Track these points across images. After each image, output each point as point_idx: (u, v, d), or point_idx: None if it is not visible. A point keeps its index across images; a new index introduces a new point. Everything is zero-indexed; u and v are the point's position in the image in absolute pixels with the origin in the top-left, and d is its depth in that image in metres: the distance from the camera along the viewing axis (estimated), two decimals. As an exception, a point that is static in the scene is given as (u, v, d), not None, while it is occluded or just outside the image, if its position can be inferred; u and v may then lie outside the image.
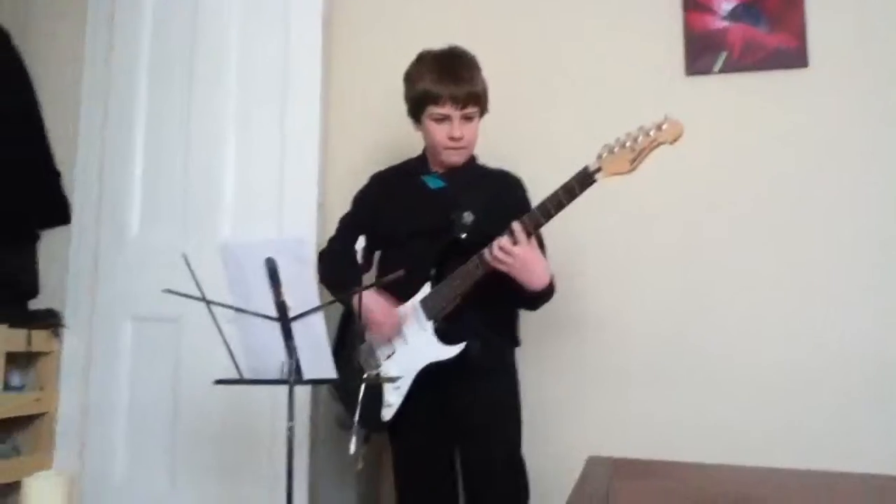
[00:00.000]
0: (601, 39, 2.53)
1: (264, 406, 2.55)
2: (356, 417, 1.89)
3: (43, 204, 2.93)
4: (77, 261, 2.92)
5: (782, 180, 2.39)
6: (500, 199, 1.96)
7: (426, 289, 1.94)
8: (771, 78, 2.42)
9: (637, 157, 1.71)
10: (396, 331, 1.95)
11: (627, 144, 1.72)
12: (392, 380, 1.93)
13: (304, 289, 1.78)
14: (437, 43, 2.70)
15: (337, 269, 2.07)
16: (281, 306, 1.78)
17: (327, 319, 1.79)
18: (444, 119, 1.98)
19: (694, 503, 1.44)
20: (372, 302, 1.94)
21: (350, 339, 2.06)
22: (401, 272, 1.75)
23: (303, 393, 2.49)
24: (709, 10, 2.49)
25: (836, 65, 2.39)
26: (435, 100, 1.97)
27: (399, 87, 2.74)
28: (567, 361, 2.44)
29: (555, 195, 1.76)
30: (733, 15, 2.47)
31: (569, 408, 2.41)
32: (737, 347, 2.35)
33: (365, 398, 1.93)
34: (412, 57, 2.74)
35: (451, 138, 1.98)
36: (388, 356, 1.98)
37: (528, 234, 1.78)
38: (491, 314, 1.96)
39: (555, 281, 1.93)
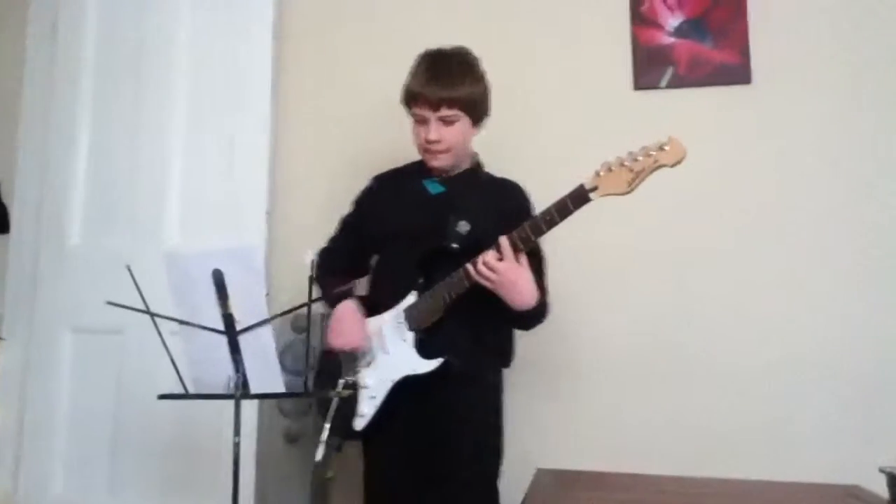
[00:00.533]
0: (550, 53, 2.56)
1: (210, 420, 2.50)
2: (327, 424, 1.87)
3: (-21, 212, 2.84)
4: (15, 270, 2.84)
5: (728, 193, 2.44)
6: (499, 209, 1.86)
7: (411, 297, 1.88)
8: (715, 93, 2.48)
9: (636, 178, 1.63)
10: (356, 345, 1.91)
11: (626, 164, 1.64)
12: (339, 393, 1.88)
13: (252, 300, 1.75)
14: (390, 53, 2.72)
15: (322, 272, 2.02)
16: (227, 319, 1.75)
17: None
18: (423, 120, 1.93)
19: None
20: (343, 311, 1.93)
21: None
22: (350, 285, 1.74)
23: (250, 407, 2.45)
24: (656, 25, 2.54)
25: (778, 81, 2.45)
26: (413, 99, 1.93)
27: (351, 95, 2.75)
28: (524, 370, 2.43)
29: (547, 211, 1.69)
30: (679, 31, 2.52)
31: (520, 417, 2.41)
32: (711, 354, 2.38)
33: (340, 406, 1.90)
34: (363, 65, 2.75)
35: (427, 140, 1.92)
36: (368, 364, 1.93)
37: (516, 250, 1.71)
38: (478, 330, 1.88)
39: (547, 300, 1.86)
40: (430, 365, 1.82)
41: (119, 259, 1.98)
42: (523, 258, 1.73)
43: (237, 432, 1.74)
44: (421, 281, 1.87)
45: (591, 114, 2.54)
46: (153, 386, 1.86)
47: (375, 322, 1.95)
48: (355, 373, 1.94)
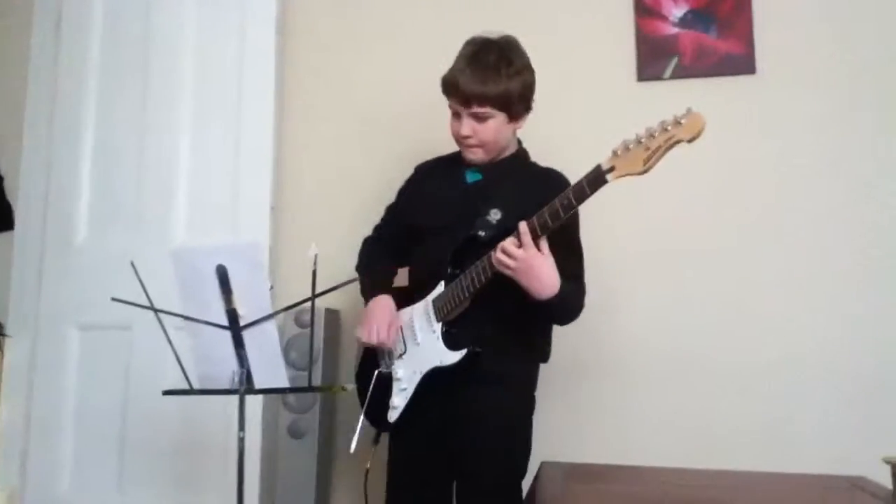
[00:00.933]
0: (554, 44, 2.54)
1: (216, 416, 2.50)
2: (362, 413, 1.90)
3: (-16, 209, 2.85)
4: (21, 267, 2.84)
5: (732, 185, 2.43)
6: (536, 199, 1.71)
7: (439, 287, 1.85)
8: (720, 84, 2.46)
9: (652, 156, 1.53)
10: (381, 342, 1.88)
11: (643, 141, 1.55)
12: (342, 388, 1.92)
13: (256, 295, 1.76)
14: (393, 49, 2.72)
15: (364, 261, 2.06)
16: (232, 314, 1.75)
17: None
18: (456, 114, 1.88)
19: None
20: (375, 305, 1.92)
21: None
22: (354, 278, 1.73)
23: (254, 402, 2.45)
24: (660, 15, 2.52)
25: (783, 71, 2.44)
26: (447, 91, 1.88)
27: (355, 90, 2.75)
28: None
29: (565, 195, 1.63)
30: (684, 21, 2.51)
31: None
32: (714, 351, 2.37)
33: (376, 396, 1.91)
34: (367, 58, 2.75)
35: (459, 134, 1.89)
36: (400, 355, 1.91)
37: (535, 237, 1.65)
38: (508, 322, 1.83)
39: (574, 292, 1.81)
40: (455, 356, 1.78)
41: (124, 256, 1.98)
42: (544, 245, 1.67)
43: (242, 427, 1.74)
44: (449, 271, 1.84)
45: (594, 105, 2.54)
46: (159, 382, 1.87)
47: (407, 313, 1.93)
48: (389, 364, 1.93)
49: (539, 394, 1.97)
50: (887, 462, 1.48)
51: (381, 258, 2.07)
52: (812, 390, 2.31)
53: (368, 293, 1.98)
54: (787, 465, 1.88)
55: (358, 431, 1.91)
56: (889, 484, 1.50)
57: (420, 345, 1.87)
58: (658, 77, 2.50)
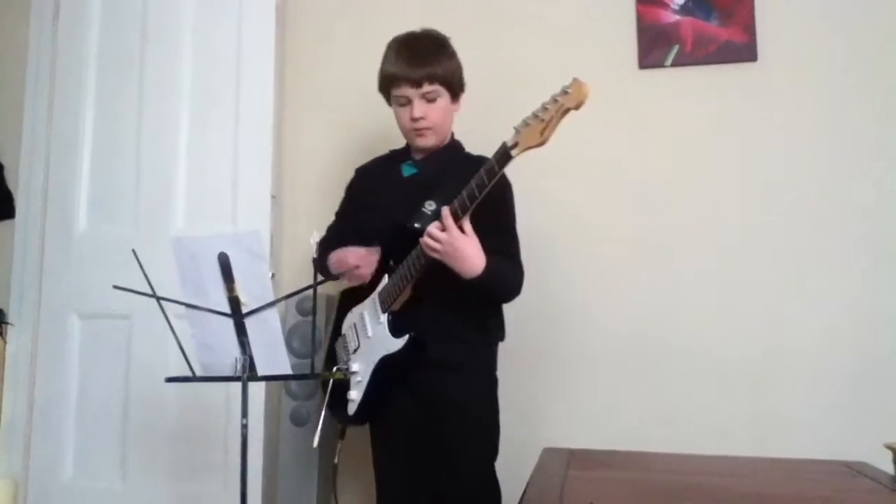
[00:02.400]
0: (555, 31, 2.54)
1: (218, 403, 2.52)
2: (323, 410, 1.94)
3: (-16, 198, 2.85)
4: (21, 256, 2.84)
5: (734, 172, 2.43)
6: (461, 184, 1.76)
7: (384, 281, 1.91)
8: (721, 71, 2.46)
9: (546, 127, 1.64)
10: (357, 262, 1.94)
11: (538, 115, 1.65)
12: (344, 374, 1.93)
13: (258, 283, 1.76)
14: (392, 34, 2.70)
15: (321, 261, 2.07)
16: (234, 302, 1.75)
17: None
18: (405, 102, 1.95)
19: (644, 491, 1.46)
20: (336, 251, 1.98)
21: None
22: (355, 266, 1.74)
23: (257, 389, 2.46)
24: (661, 3, 2.51)
25: (785, 59, 2.44)
26: (393, 81, 1.95)
27: (353, 80, 2.74)
28: (528, 353, 2.44)
29: (479, 174, 1.70)
30: (685, 8, 2.50)
31: (526, 399, 2.42)
32: (714, 337, 2.38)
33: (336, 392, 1.95)
34: (366, 49, 2.72)
35: (412, 119, 1.94)
36: (354, 350, 1.96)
37: (457, 219, 1.72)
38: (456, 307, 1.88)
39: (512, 272, 1.89)
40: (399, 343, 1.83)
41: (125, 245, 1.99)
42: (467, 226, 1.74)
43: (245, 414, 1.74)
44: (392, 263, 1.89)
45: (595, 93, 2.52)
46: (161, 370, 1.87)
47: (358, 310, 1.99)
48: (346, 360, 1.98)
49: (538, 381, 1.98)
50: (889, 448, 1.48)
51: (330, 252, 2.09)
52: (812, 376, 2.32)
53: (325, 262, 2.02)
54: (786, 452, 1.89)
55: (320, 425, 1.94)
56: (890, 469, 1.51)
57: (371, 338, 1.91)
58: (659, 65, 2.50)
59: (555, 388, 2.38)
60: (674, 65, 2.49)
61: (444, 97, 1.95)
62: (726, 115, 2.44)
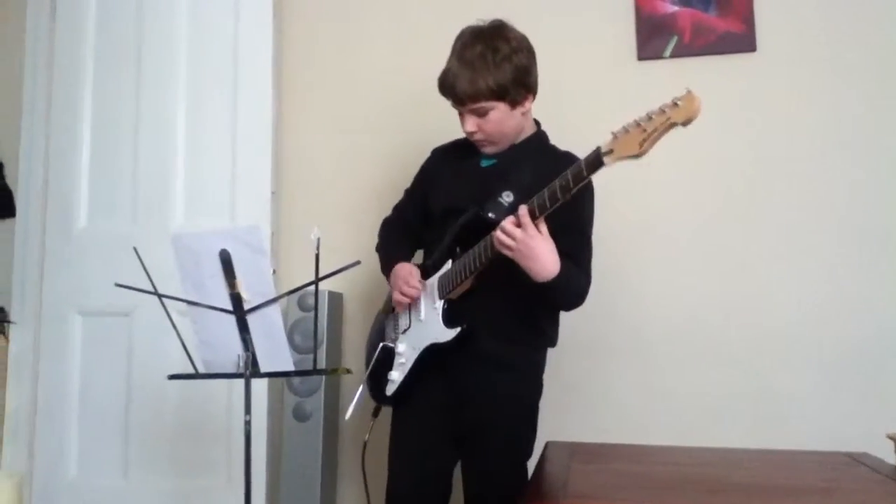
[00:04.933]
0: (554, 23, 2.53)
1: (220, 399, 2.52)
2: (363, 383, 1.94)
3: (-15, 196, 2.85)
4: (22, 254, 2.84)
5: (734, 163, 2.44)
6: (543, 181, 1.67)
7: (447, 266, 1.86)
8: (720, 62, 2.45)
9: (647, 139, 1.51)
10: (412, 296, 1.89)
11: (640, 124, 1.52)
12: (344, 370, 1.93)
13: (259, 279, 1.76)
14: (391, 29, 2.70)
15: (382, 242, 2.09)
16: (235, 298, 1.75)
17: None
18: (459, 112, 1.89)
19: (646, 483, 1.47)
20: (400, 267, 1.94)
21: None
22: (356, 262, 1.74)
23: (260, 385, 2.47)
24: (659, -6, 2.51)
25: (783, 49, 2.43)
26: (443, 93, 1.88)
27: (352, 74, 2.74)
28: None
29: (563, 176, 1.61)
30: (683, 0, 2.50)
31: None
32: (715, 329, 2.39)
33: (379, 369, 1.94)
34: (365, 42, 2.73)
35: (465, 132, 1.89)
36: (404, 331, 1.93)
37: (534, 218, 1.64)
38: (515, 306, 1.83)
39: (575, 277, 1.78)
40: (450, 334, 1.80)
41: (125, 242, 1.99)
42: (543, 227, 1.66)
43: (248, 410, 1.75)
44: (458, 250, 1.84)
45: (594, 85, 2.53)
46: (163, 367, 1.88)
47: None
48: (394, 339, 1.96)
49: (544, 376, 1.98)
50: (891, 438, 1.49)
51: (398, 238, 2.09)
52: (813, 368, 2.33)
53: (390, 266, 1.99)
54: (788, 442, 1.90)
55: (356, 398, 1.93)
56: (892, 459, 1.51)
57: (423, 321, 1.89)
58: (658, 56, 2.50)
59: (559, 381, 2.39)
60: (673, 56, 2.49)
61: (497, 108, 1.83)
62: (726, 106, 2.43)
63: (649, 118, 1.53)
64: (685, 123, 1.50)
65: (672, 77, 2.47)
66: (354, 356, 2.54)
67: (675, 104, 1.50)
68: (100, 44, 2.85)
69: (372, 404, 2.01)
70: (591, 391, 2.44)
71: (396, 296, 1.91)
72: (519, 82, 1.83)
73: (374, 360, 1.96)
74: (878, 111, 2.38)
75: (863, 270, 2.34)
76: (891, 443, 1.51)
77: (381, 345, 1.98)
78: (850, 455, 1.68)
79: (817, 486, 1.43)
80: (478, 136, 1.88)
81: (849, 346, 2.32)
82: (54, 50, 2.89)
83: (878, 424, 1.99)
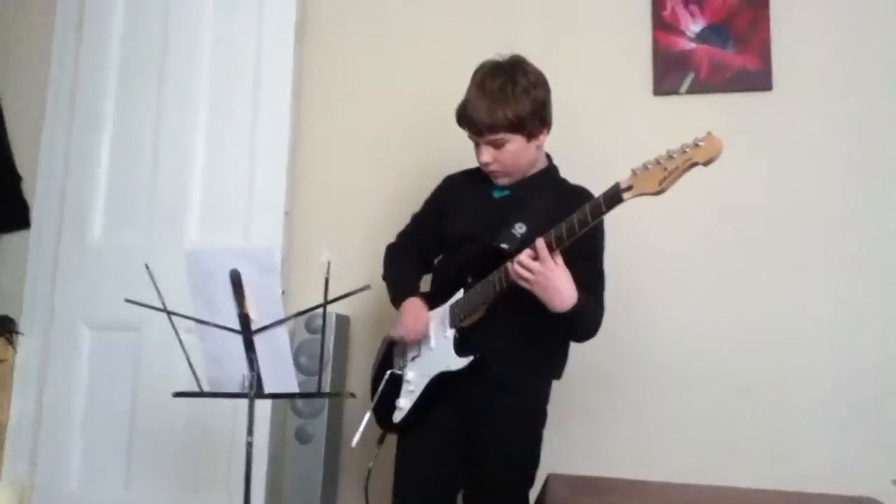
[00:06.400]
0: (571, 57, 2.54)
1: (225, 417, 2.52)
2: (367, 413, 1.95)
3: (2, 207, 2.87)
4: (36, 266, 2.87)
5: (748, 201, 2.43)
6: (563, 215, 1.70)
7: (458, 295, 1.88)
8: (736, 100, 2.46)
9: (668, 177, 1.54)
10: (416, 338, 1.91)
11: (662, 162, 1.55)
12: (349, 395, 1.94)
13: (268, 299, 1.76)
14: (411, 54, 2.73)
15: (388, 267, 2.10)
16: (244, 318, 1.76)
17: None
18: (475, 143, 1.91)
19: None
20: (410, 305, 1.94)
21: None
22: (366, 286, 1.74)
23: (263, 405, 2.46)
24: (677, 30, 2.52)
25: (800, 87, 2.44)
26: (460, 123, 1.91)
27: (371, 97, 2.76)
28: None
29: (582, 210, 1.64)
30: (701, 36, 2.51)
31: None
32: (717, 362, 2.38)
33: (386, 396, 1.94)
34: (384, 64, 2.76)
35: (480, 163, 1.92)
36: (413, 358, 1.94)
37: (551, 251, 1.66)
38: (523, 334, 1.84)
39: (591, 308, 1.80)
40: (462, 363, 1.81)
41: (139, 256, 2.00)
42: (559, 259, 1.68)
43: (250, 432, 1.75)
44: (470, 279, 1.86)
45: (611, 119, 2.54)
46: (169, 383, 1.88)
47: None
48: (402, 366, 1.96)
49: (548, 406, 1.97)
50: (896, 484, 1.47)
51: (407, 266, 2.10)
52: (821, 407, 2.30)
53: (400, 297, 2.00)
54: (796, 481, 1.88)
55: (362, 426, 1.93)
56: (898, 506, 1.49)
57: (433, 349, 1.89)
58: (674, 92, 2.50)
59: (563, 412, 2.37)
60: (689, 92, 2.49)
61: (514, 141, 1.86)
62: (741, 144, 2.42)
63: (670, 157, 1.55)
64: (706, 163, 1.52)
65: (688, 113, 2.48)
66: (359, 380, 2.53)
67: (697, 144, 1.52)
68: (124, 58, 2.90)
69: (377, 431, 2.00)
70: (596, 423, 2.42)
71: (403, 332, 1.92)
72: (536, 116, 1.87)
73: (381, 387, 1.96)
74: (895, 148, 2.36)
75: (881, 305, 2.32)
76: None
77: (388, 372, 1.97)
78: (854, 499, 1.65)
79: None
80: (493, 168, 1.90)
81: (864, 384, 2.29)
82: (79, 62, 2.94)
83: (887, 468, 1.98)
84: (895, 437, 2.23)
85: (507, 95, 1.83)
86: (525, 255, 1.68)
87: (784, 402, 2.33)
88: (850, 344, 2.31)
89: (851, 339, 2.32)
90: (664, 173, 1.54)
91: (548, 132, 1.93)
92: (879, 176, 2.37)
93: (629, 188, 1.58)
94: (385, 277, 2.10)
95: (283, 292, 2.32)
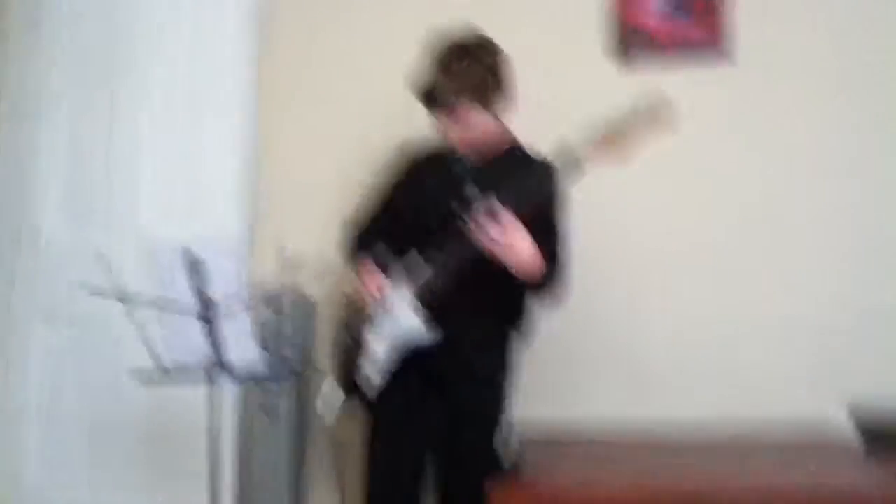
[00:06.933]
0: (528, 31, 2.49)
1: (186, 402, 2.44)
2: (328, 379, 1.98)
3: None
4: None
5: (708, 174, 2.46)
6: (523, 185, 1.77)
7: (420, 263, 1.90)
8: (696, 73, 2.46)
9: (625, 145, 1.60)
10: (380, 295, 1.92)
11: (618, 129, 1.61)
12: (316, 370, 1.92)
13: (229, 283, 1.77)
14: (374, 27, 2.70)
15: (351, 247, 2.11)
16: (205, 301, 1.75)
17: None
18: (434, 117, 1.94)
19: (621, 469, 1.47)
20: (362, 267, 1.98)
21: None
22: (328, 269, 1.74)
23: (229, 387, 2.37)
24: (636, 2, 2.51)
25: (759, 60, 2.46)
26: (418, 99, 1.92)
27: (333, 77, 2.72)
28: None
29: (538, 176, 1.71)
30: (660, 9, 2.50)
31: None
32: (695, 334, 2.42)
33: (349, 366, 1.96)
34: (351, 36, 2.72)
35: (443, 135, 1.94)
36: (376, 328, 1.95)
37: (514, 214, 1.71)
38: (486, 300, 1.88)
39: (557, 270, 1.85)
40: (428, 336, 1.85)
41: (91, 249, 1.99)
42: (518, 223, 1.72)
43: (215, 409, 1.74)
44: (431, 248, 1.88)
45: (570, 93, 2.52)
46: (130, 375, 1.85)
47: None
48: (365, 336, 1.97)
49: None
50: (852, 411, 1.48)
51: (367, 241, 2.09)
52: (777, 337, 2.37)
53: (357, 261, 2.03)
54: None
55: (326, 392, 1.96)
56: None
57: (395, 318, 1.91)
58: (634, 65, 2.50)
59: (532, 370, 2.40)
60: (648, 65, 2.49)
61: (474, 111, 1.88)
62: (700, 117, 2.44)
63: (626, 122, 1.58)
64: (663, 128, 1.57)
65: (649, 86, 2.48)
66: (325, 358, 2.53)
67: (651, 108, 1.57)
68: (70, 54, 2.81)
69: (344, 402, 2.01)
70: (570, 384, 2.45)
71: (365, 292, 1.94)
72: (496, 86, 1.90)
73: (345, 357, 1.98)
74: (858, 123, 2.42)
75: (859, 272, 2.38)
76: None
77: (351, 341, 1.99)
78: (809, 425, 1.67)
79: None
80: (454, 140, 1.92)
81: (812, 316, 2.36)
82: (28, 63, 2.83)
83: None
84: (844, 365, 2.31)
85: (459, 66, 1.86)
86: (485, 217, 1.71)
87: (737, 337, 2.39)
88: (833, 305, 2.37)
89: (832, 301, 2.37)
90: (622, 140, 1.60)
91: (508, 103, 1.96)
92: (842, 149, 2.41)
93: (587, 157, 1.62)
94: (346, 256, 2.11)
95: (246, 278, 2.32)
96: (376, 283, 1.94)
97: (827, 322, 2.35)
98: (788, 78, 2.46)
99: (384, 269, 1.98)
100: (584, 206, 2.31)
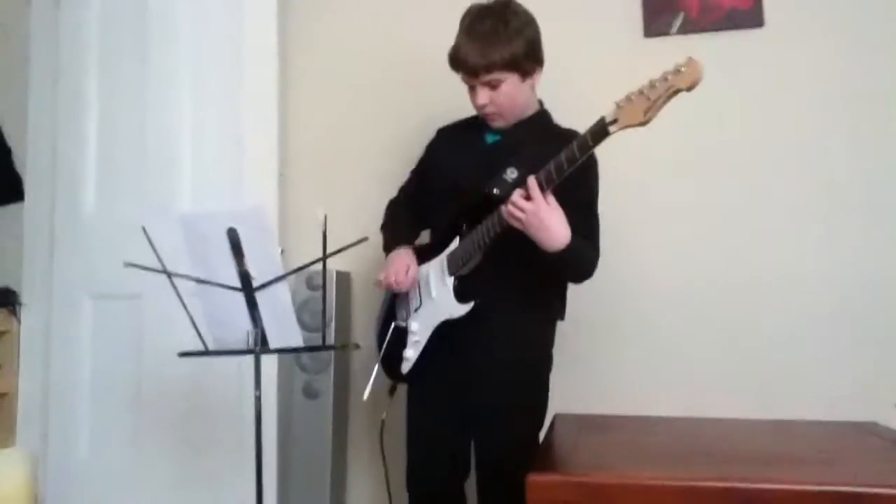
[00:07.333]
0: (560, 2, 2.51)
1: (229, 378, 2.52)
2: (376, 366, 2.00)
3: (-5, 182, 2.86)
4: (32, 238, 2.86)
5: (742, 140, 2.43)
6: (552, 158, 1.70)
7: (455, 243, 1.90)
8: (728, 38, 2.44)
9: (651, 107, 1.54)
10: (403, 281, 1.93)
11: (644, 92, 1.56)
12: (353, 345, 1.93)
13: (266, 257, 1.78)
14: (399, 7, 2.69)
15: (387, 223, 2.14)
16: (244, 276, 1.77)
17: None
18: (470, 86, 1.91)
19: (650, 453, 1.48)
20: (394, 254, 1.99)
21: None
22: (363, 238, 1.75)
23: (269, 363, 2.47)
24: (668, -27, 2.48)
25: (791, 24, 2.42)
26: (454, 66, 1.90)
27: (360, 54, 2.73)
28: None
29: (570, 148, 1.65)
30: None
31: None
32: (721, 300, 2.41)
33: (392, 349, 1.98)
34: (375, 21, 2.72)
35: (477, 105, 1.91)
36: (416, 309, 1.96)
37: (542, 190, 1.67)
38: (520, 277, 1.86)
39: (585, 250, 1.82)
40: (463, 309, 1.83)
41: (133, 224, 1.99)
42: (552, 199, 1.69)
43: (258, 386, 1.77)
44: (464, 227, 1.88)
45: (601, 62, 2.52)
46: (173, 347, 1.88)
47: (424, 268, 1.98)
48: (406, 318, 1.99)
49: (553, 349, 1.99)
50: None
51: (402, 218, 2.13)
52: (820, 336, 2.34)
53: (390, 247, 2.04)
54: (796, 412, 1.91)
55: (372, 379, 1.97)
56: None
57: (434, 299, 1.91)
58: (665, 33, 2.48)
59: (565, 355, 2.40)
60: (679, 32, 2.47)
61: (509, 80, 1.86)
62: (733, 82, 2.42)
63: (652, 86, 1.55)
64: (689, 89, 1.53)
65: (679, 53, 2.42)
66: (363, 333, 2.56)
67: (678, 70, 1.53)
68: (104, 28, 2.84)
69: (388, 383, 2.04)
70: (600, 364, 2.46)
71: (385, 279, 1.96)
72: (530, 55, 1.88)
73: (387, 339, 2.00)
74: (888, 84, 2.36)
75: (866, 240, 2.35)
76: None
77: (393, 324, 2.01)
78: (857, 425, 1.68)
79: (819, 457, 1.44)
80: (489, 109, 1.90)
81: (857, 315, 2.32)
82: (59, 36, 2.88)
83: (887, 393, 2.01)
84: (893, 363, 2.27)
85: (500, 35, 1.83)
86: (517, 195, 1.69)
87: (780, 335, 2.36)
88: (842, 274, 2.34)
89: (844, 270, 2.34)
90: (648, 103, 1.55)
91: (541, 71, 1.93)
92: (869, 111, 2.36)
93: (614, 121, 1.59)
94: (382, 229, 2.13)
95: (283, 252, 2.34)
96: (405, 263, 1.95)
97: (876, 322, 2.32)
98: (816, 37, 2.41)
99: (417, 248, 1.99)
100: (620, 187, 2.32)
